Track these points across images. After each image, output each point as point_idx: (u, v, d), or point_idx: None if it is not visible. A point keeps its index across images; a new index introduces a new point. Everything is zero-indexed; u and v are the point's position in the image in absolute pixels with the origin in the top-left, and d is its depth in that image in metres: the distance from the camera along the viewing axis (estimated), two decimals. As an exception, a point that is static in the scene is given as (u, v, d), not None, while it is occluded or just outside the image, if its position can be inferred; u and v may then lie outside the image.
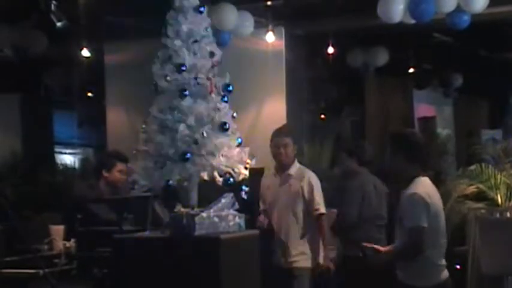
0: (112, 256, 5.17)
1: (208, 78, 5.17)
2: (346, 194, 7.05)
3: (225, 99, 5.23)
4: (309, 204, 6.47)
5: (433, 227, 4.76)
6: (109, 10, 9.01)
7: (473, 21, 8.16)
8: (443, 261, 4.90)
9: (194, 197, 5.16)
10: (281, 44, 9.47)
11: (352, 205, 6.94)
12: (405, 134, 5.22)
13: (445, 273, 4.89)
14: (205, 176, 5.05)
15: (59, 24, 8.23)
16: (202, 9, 5.27)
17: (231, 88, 5.24)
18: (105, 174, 6.48)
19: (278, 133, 6.68)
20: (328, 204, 6.81)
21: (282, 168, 6.59)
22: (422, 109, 13.89)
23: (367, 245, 4.88)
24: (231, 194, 5.15)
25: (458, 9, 7.93)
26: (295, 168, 6.58)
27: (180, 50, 5.15)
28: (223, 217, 5.06)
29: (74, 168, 12.19)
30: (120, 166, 6.41)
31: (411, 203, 4.73)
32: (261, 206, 6.65)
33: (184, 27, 5.20)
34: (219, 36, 7.70)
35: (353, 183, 7.05)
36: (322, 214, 6.49)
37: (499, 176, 7.67)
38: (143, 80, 5.42)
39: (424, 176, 4.88)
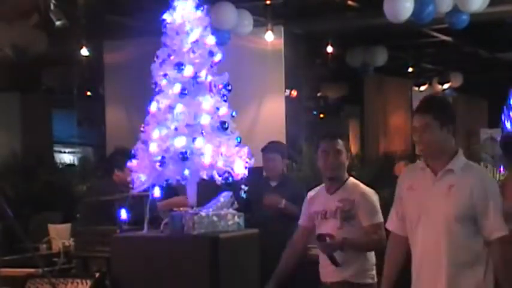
0: (111, 255, 5.17)
1: (207, 77, 5.17)
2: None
3: (224, 98, 5.22)
4: None
5: None
6: (108, 9, 9.02)
7: (473, 21, 8.17)
8: None
9: (193, 196, 5.16)
10: (280, 43, 9.47)
11: None
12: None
13: None
14: (204, 175, 5.05)
15: (58, 23, 8.23)
16: (201, 8, 5.27)
17: (230, 87, 5.23)
18: (117, 173, 6.47)
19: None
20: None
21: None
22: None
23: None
24: (230, 193, 5.14)
25: (456, 9, 7.94)
26: None
27: (179, 49, 5.15)
28: (222, 216, 5.05)
29: (73, 167, 12.18)
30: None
31: None
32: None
33: (184, 26, 5.20)
34: (218, 35, 7.69)
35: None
36: None
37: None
38: (142, 78, 5.42)
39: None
